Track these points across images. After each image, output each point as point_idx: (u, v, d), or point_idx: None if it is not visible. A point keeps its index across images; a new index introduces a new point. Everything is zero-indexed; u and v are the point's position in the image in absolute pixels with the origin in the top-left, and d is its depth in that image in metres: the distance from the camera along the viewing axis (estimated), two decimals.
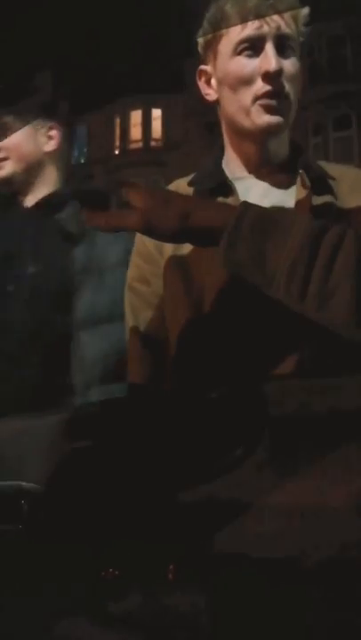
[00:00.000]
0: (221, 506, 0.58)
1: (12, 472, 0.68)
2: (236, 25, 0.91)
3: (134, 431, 0.66)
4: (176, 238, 0.73)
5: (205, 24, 0.96)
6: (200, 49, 1.00)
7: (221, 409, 0.65)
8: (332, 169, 0.98)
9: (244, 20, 0.90)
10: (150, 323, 0.99)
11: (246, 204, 0.70)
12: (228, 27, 0.92)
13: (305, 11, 0.93)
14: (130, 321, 1.02)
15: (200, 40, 0.99)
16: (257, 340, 0.83)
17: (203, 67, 1.00)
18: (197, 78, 1.01)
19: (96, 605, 0.59)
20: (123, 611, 0.58)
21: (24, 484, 0.67)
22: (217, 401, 0.68)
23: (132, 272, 1.03)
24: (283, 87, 0.91)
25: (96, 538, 0.61)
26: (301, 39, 0.94)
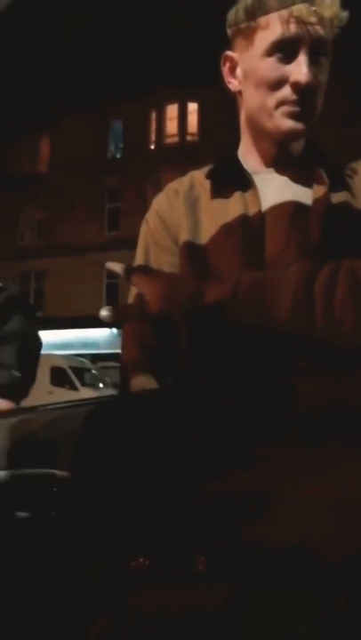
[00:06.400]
0: (249, 498, 0.58)
1: (46, 460, 0.69)
2: (273, 19, 0.86)
3: (166, 421, 0.66)
4: (189, 317, 0.74)
5: (240, 10, 0.92)
6: (230, 33, 0.95)
7: (250, 400, 0.64)
8: (351, 164, 0.95)
9: (282, 16, 0.86)
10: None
11: (241, 274, 0.71)
12: (265, 19, 0.87)
13: (344, 14, 0.88)
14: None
15: (232, 25, 0.94)
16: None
17: (230, 53, 0.96)
18: (222, 63, 0.97)
19: (124, 598, 0.59)
20: (151, 603, 0.58)
21: (57, 471, 0.67)
22: (245, 392, 0.67)
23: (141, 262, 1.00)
24: (310, 96, 0.88)
25: (125, 527, 0.61)
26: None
